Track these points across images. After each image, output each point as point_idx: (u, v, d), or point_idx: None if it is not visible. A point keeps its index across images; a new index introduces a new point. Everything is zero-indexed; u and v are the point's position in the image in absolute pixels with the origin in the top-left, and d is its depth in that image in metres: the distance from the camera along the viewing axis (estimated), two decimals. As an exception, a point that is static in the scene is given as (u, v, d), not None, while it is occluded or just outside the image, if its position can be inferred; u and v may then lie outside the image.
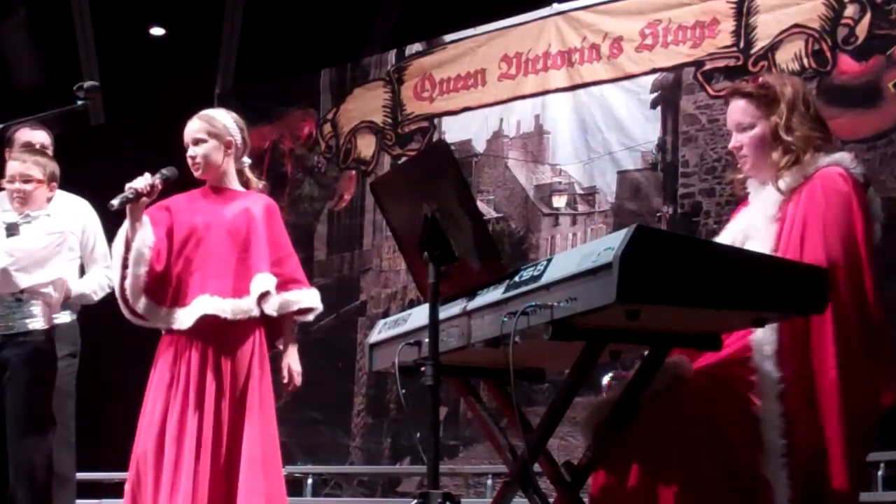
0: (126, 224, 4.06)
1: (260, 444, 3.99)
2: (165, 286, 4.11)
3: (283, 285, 4.14)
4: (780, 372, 2.89)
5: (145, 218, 4.05)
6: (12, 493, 4.39)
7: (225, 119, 4.23)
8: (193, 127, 4.20)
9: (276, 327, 4.22)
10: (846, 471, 2.86)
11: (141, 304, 4.10)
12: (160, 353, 4.12)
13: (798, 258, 2.94)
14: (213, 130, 4.17)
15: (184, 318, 4.06)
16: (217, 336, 4.04)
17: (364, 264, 7.35)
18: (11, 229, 4.48)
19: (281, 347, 4.26)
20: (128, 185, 3.98)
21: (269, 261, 4.12)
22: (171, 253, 4.11)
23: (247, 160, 4.31)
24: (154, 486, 3.95)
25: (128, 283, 4.07)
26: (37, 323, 4.46)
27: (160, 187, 4.04)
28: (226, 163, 4.20)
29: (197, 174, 4.19)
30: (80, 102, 4.62)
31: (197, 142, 4.17)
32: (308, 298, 4.20)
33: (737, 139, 3.21)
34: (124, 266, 4.07)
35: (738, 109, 3.20)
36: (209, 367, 4.01)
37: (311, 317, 4.27)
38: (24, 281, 4.41)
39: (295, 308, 4.17)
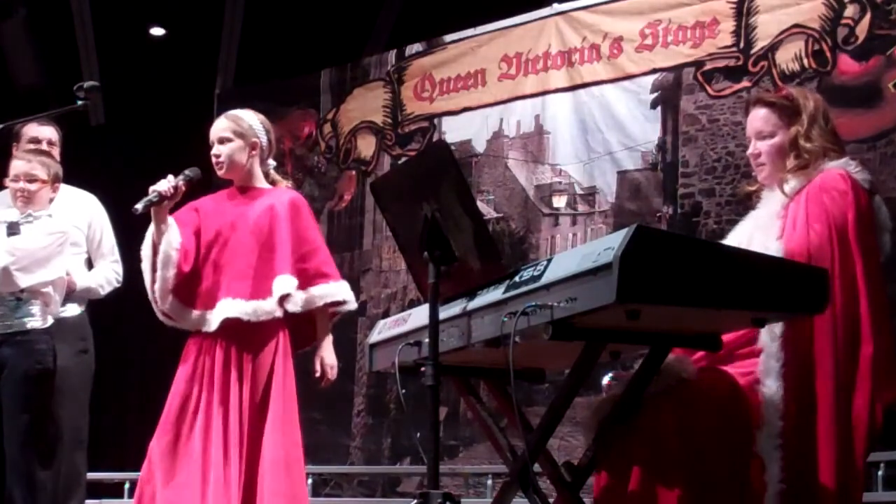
0: (152, 227, 4.06)
1: (282, 445, 3.99)
2: (195, 288, 4.11)
3: (310, 280, 4.12)
4: (784, 353, 2.93)
5: (171, 220, 4.05)
6: (10, 493, 4.39)
7: (251, 119, 4.22)
8: (219, 126, 4.19)
9: (310, 326, 4.19)
10: (834, 460, 2.89)
11: (169, 305, 4.10)
12: (187, 352, 4.12)
13: (805, 250, 2.96)
14: (238, 130, 4.17)
15: (211, 320, 4.07)
16: (240, 337, 4.04)
17: (364, 264, 7.35)
18: (12, 228, 4.48)
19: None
20: (151, 188, 3.97)
21: (291, 259, 4.09)
22: (199, 255, 4.12)
23: (272, 162, 4.30)
24: (165, 478, 3.94)
25: (157, 286, 4.07)
26: (35, 322, 4.45)
27: (183, 189, 4.04)
28: (251, 163, 4.19)
29: (220, 173, 4.19)
30: (80, 102, 4.62)
31: (222, 140, 4.16)
32: (336, 291, 4.15)
33: (756, 146, 3.24)
34: (153, 269, 4.07)
35: (760, 118, 3.23)
36: (233, 367, 4.01)
37: (345, 309, 4.21)
38: (24, 281, 4.41)
39: (321, 303, 4.13)
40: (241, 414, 3.98)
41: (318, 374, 4.18)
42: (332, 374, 4.19)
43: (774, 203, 3.16)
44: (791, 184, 3.13)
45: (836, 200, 3.03)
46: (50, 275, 4.47)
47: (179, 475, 3.95)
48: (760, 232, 3.10)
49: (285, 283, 4.06)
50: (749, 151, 3.28)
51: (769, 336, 2.96)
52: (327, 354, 4.18)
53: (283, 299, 4.06)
